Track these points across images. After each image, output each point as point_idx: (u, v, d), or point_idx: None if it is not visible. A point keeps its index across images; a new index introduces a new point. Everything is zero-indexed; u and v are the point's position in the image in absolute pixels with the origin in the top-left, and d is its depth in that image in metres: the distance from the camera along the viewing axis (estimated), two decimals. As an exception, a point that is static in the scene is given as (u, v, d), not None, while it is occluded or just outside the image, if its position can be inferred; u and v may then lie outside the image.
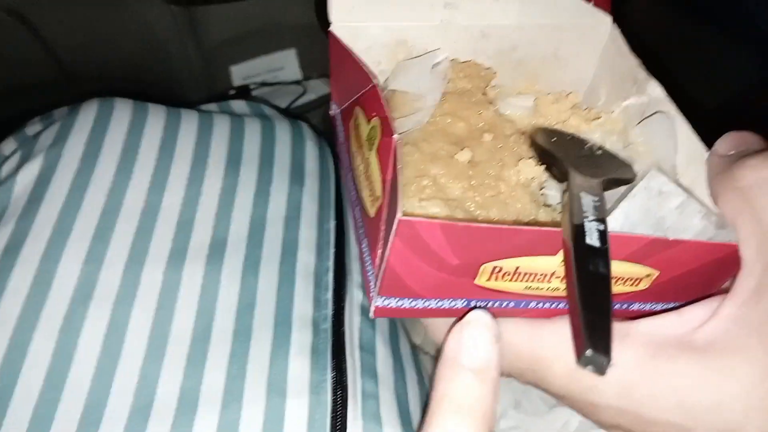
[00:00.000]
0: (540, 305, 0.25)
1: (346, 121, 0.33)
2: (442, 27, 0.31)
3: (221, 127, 0.42)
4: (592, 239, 0.21)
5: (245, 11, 0.61)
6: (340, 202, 0.43)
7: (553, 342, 0.24)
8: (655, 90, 0.31)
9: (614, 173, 0.29)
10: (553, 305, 0.25)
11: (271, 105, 0.50)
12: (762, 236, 0.22)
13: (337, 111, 0.35)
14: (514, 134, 0.32)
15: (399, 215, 0.20)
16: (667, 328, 0.24)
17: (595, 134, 0.34)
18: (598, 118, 0.34)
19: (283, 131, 0.44)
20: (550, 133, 0.32)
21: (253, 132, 0.43)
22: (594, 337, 0.19)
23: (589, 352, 0.19)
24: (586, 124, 0.34)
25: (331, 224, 0.41)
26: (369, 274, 0.24)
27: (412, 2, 0.31)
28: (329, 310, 0.36)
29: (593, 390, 0.24)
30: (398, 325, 0.41)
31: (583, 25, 0.33)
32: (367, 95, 0.29)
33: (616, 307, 0.25)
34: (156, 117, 0.41)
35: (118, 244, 0.35)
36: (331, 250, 0.39)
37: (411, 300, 0.23)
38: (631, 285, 0.25)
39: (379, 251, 0.23)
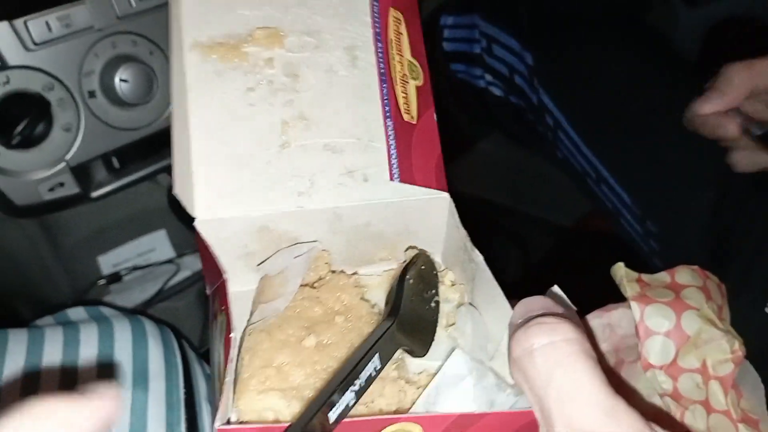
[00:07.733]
0: None
1: (213, 302, 0.36)
2: (298, 212, 0.34)
3: (53, 344, 0.41)
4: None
5: (102, 206, 0.61)
6: (191, 397, 0.42)
7: None
8: (478, 257, 0.34)
9: (411, 345, 0.33)
10: None
11: (111, 305, 0.50)
12: (535, 398, 0.25)
13: (210, 291, 0.38)
14: (366, 315, 0.35)
15: (217, 425, 0.25)
16: None
17: (455, 295, 0.37)
18: (454, 284, 0.37)
19: (122, 334, 0.43)
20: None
21: (89, 341, 0.42)
22: None
23: None
24: (450, 289, 0.37)
25: (183, 427, 0.40)
26: None
27: (268, 193, 0.34)
28: None
29: None
30: None
31: (427, 202, 0.37)
32: (220, 287, 0.32)
33: None
34: None
35: None
36: (185, 457, 0.38)
37: None
38: None
39: None
